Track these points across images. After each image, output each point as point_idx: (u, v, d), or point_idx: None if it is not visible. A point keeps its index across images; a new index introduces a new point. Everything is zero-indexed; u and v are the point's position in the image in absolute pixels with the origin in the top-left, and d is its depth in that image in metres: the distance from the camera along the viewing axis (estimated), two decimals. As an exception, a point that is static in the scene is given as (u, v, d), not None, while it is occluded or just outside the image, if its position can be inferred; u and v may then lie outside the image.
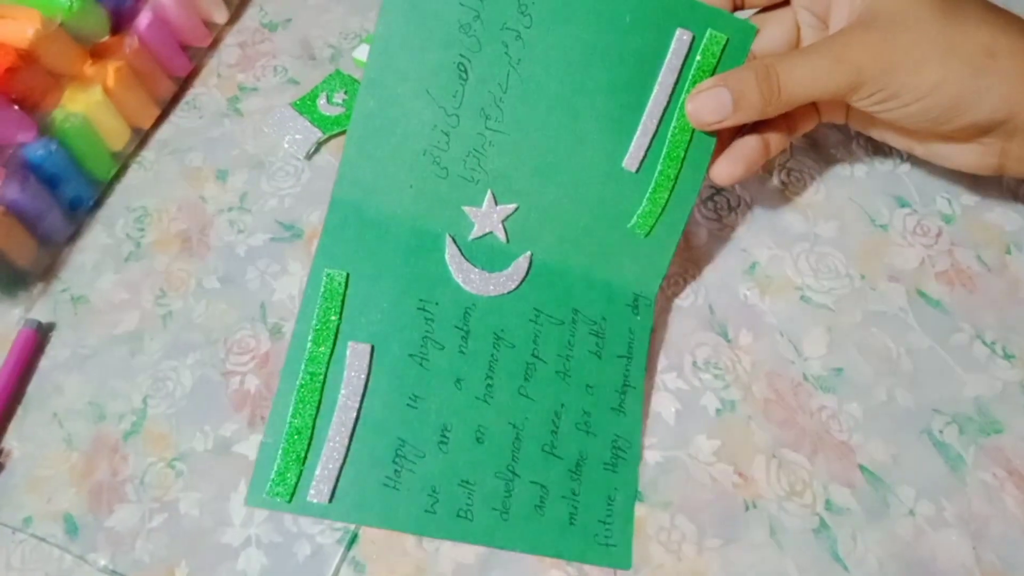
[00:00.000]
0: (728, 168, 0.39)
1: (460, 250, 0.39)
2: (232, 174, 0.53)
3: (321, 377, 0.36)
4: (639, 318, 0.40)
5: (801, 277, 0.43)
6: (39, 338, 0.48)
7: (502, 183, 0.38)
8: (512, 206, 0.38)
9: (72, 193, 0.51)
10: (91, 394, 0.45)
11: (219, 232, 0.51)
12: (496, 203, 0.38)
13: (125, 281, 0.49)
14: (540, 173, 0.38)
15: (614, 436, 0.38)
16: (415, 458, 0.36)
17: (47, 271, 0.50)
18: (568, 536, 0.37)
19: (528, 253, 0.39)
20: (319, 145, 0.53)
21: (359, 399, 0.36)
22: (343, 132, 0.53)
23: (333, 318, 0.37)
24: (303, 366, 0.36)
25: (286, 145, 0.54)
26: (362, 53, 0.57)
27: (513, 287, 0.39)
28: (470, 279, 0.38)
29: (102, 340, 0.47)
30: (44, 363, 0.47)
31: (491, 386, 0.38)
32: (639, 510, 0.38)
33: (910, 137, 0.41)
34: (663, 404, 0.40)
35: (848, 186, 0.46)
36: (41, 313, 0.49)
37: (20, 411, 0.45)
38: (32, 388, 0.46)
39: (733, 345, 0.42)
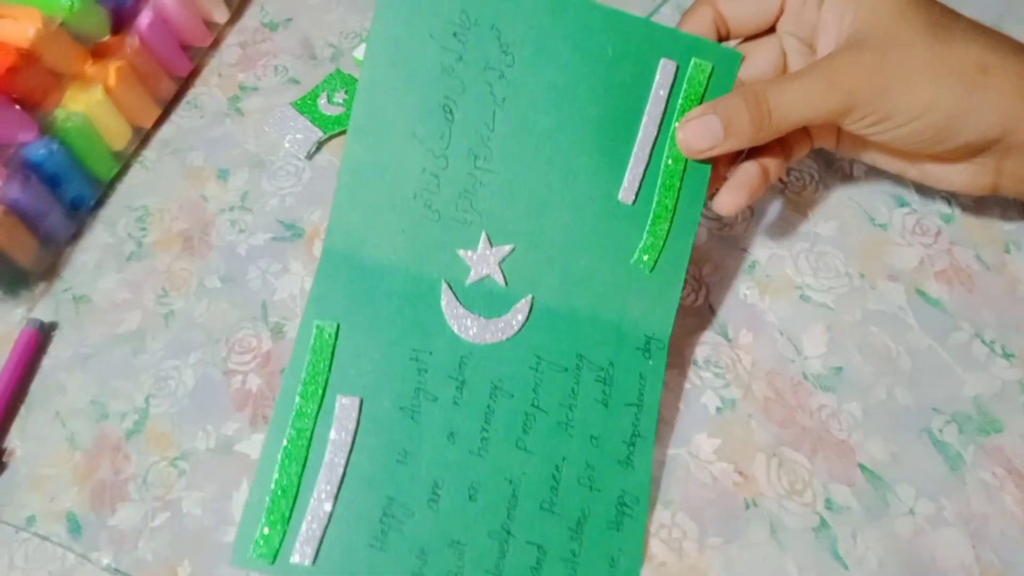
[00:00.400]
0: (732, 198, 0.38)
1: (456, 296, 0.37)
2: (233, 173, 0.53)
3: (308, 433, 0.35)
4: (651, 363, 0.38)
5: (801, 276, 0.44)
6: (41, 338, 0.48)
7: (496, 224, 0.37)
8: (508, 247, 0.37)
9: (74, 193, 0.51)
10: (93, 393, 0.45)
11: (220, 231, 0.51)
12: (491, 245, 0.37)
13: (127, 280, 0.50)
14: (534, 211, 0.37)
15: (620, 492, 0.36)
16: (404, 517, 0.35)
17: (49, 271, 0.50)
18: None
19: (529, 296, 0.38)
20: (320, 144, 0.54)
21: (346, 456, 0.35)
22: (344, 131, 0.53)
23: (322, 372, 0.35)
24: (290, 422, 0.35)
25: (287, 144, 0.54)
26: (362, 52, 0.57)
27: (512, 333, 0.37)
28: (467, 327, 0.37)
29: (104, 339, 0.47)
30: (46, 362, 0.47)
31: (486, 439, 0.36)
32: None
33: (903, 159, 0.40)
34: (664, 403, 0.40)
35: (847, 185, 0.47)
36: (43, 313, 0.49)
37: (23, 410, 0.45)
38: (35, 387, 0.46)
39: (733, 344, 0.42)
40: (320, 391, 0.35)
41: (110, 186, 0.54)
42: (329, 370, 0.36)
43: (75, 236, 0.52)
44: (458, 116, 0.36)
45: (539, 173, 0.37)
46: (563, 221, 0.37)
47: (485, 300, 0.38)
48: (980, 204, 0.45)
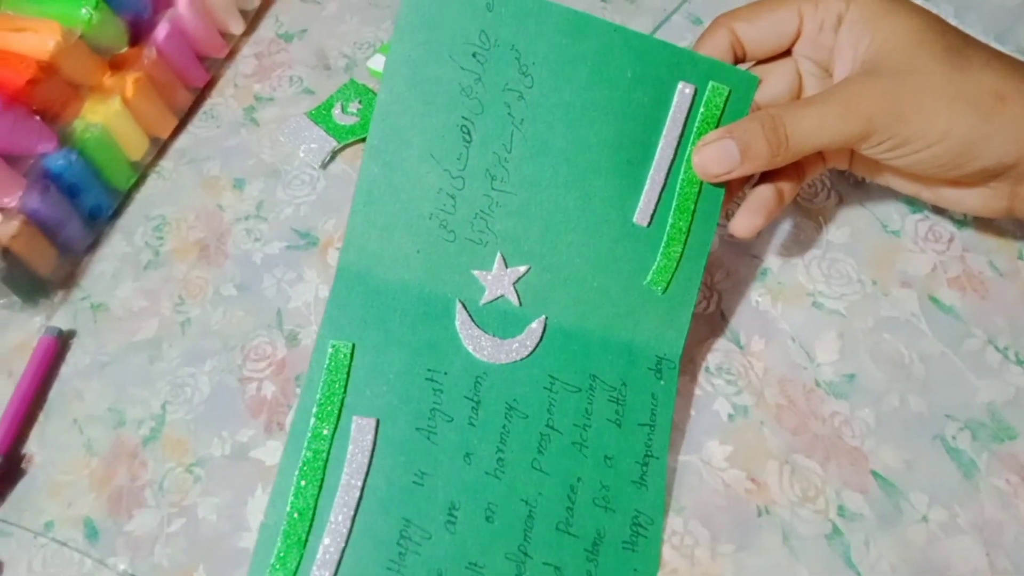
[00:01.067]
0: (748, 221, 0.38)
1: (471, 316, 0.37)
2: (249, 183, 0.54)
3: (324, 455, 0.34)
4: (663, 383, 0.38)
5: (813, 283, 0.44)
6: (60, 345, 0.48)
7: (512, 245, 0.37)
8: (523, 268, 0.37)
9: (92, 202, 0.52)
10: (111, 400, 0.46)
11: (236, 240, 0.51)
12: (506, 265, 0.37)
13: (144, 289, 0.50)
14: (550, 233, 0.37)
15: (635, 512, 0.36)
16: (421, 540, 0.34)
17: (67, 279, 0.51)
18: None
19: (543, 317, 0.38)
20: (334, 154, 0.54)
21: (363, 477, 0.34)
22: (358, 141, 0.54)
23: (338, 392, 0.35)
24: (306, 443, 0.34)
25: (302, 154, 0.54)
26: (376, 63, 0.57)
27: (527, 354, 0.37)
28: (481, 346, 0.37)
29: (121, 347, 0.48)
30: (65, 370, 0.48)
31: (502, 460, 0.36)
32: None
33: (917, 183, 0.40)
34: (676, 409, 0.40)
35: (859, 192, 0.47)
36: (62, 321, 0.50)
37: (41, 417, 0.46)
38: (53, 394, 0.47)
39: (745, 351, 0.42)
40: (336, 411, 0.35)
41: (128, 196, 0.55)
42: (345, 390, 0.35)
43: (93, 245, 0.53)
44: (476, 137, 0.36)
45: (555, 194, 0.37)
46: (578, 242, 0.38)
47: (499, 320, 0.38)
48: (993, 211, 0.45)
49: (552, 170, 0.37)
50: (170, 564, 0.40)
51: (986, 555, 0.35)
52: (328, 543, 0.34)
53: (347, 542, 0.34)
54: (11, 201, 0.47)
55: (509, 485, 0.36)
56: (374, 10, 0.62)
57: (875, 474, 0.38)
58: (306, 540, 0.34)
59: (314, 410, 0.35)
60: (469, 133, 0.36)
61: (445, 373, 0.36)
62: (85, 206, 0.52)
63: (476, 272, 0.37)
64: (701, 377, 0.42)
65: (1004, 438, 0.38)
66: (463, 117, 0.36)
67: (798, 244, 0.45)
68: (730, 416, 0.40)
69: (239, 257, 0.50)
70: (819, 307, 0.43)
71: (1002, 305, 0.42)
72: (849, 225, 0.45)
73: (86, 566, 0.41)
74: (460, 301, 0.37)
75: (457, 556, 0.35)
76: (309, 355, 0.44)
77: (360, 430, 0.35)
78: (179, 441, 0.44)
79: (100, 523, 0.42)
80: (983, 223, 0.44)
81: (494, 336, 0.37)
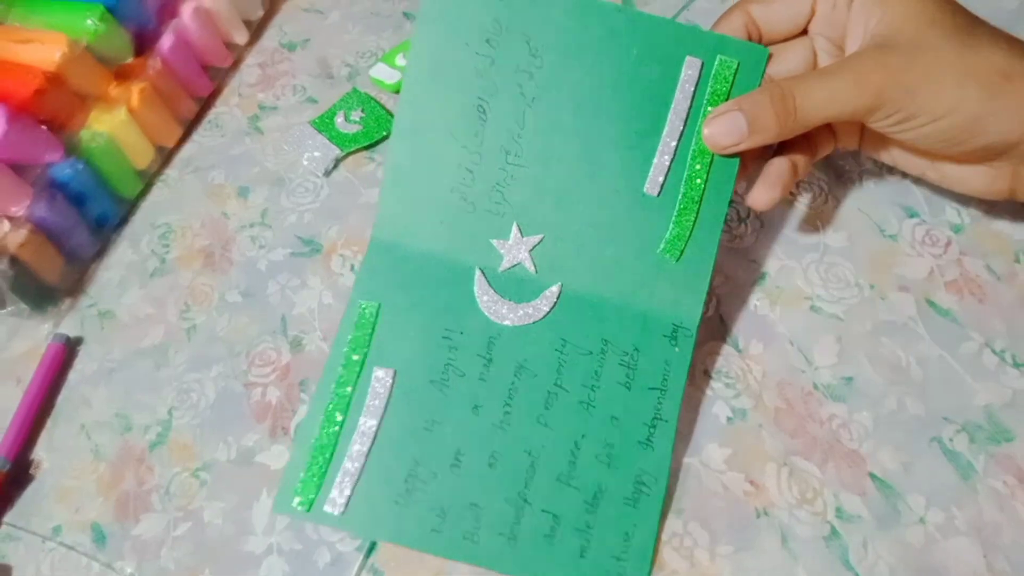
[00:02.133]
0: (766, 193, 0.39)
1: (488, 282, 0.40)
2: (253, 191, 0.55)
3: (347, 400, 0.38)
4: (677, 350, 0.39)
5: (811, 287, 0.44)
6: (67, 352, 0.49)
7: (527, 215, 0.40)
8: (538, 237, 0.40)
9: (98, 211, 0.53)
10: (118, 406, 0.46)
11: (241, 247, 0.52)
12: (522, 234, 0.40)
13: (150, 296, 0.51)
14: (563, 203, 0.39)
15: (638, 471, 0.38)
16: (427, 479, 0.37)
17: (75, 287, 0.52)
18: (577, 569, 0.36)
19: (558, 284, 0.40)
20: (337, 162, 0.55)
21: (379, 420, 0.38)
22: (360, 149, 0.55)
23: (363, 346, 0.39)
24: (332, 388, 0.38)
25: (305, 162, 0.55)
26: (378, 72, 0.58)
27: (540, 317, 0.40)
28: (496, 310, 0.40)
29: (128, 353, 0.48)
30: (72, 376, 0.48)
31: (509, 413, 0.38)
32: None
33: (924, 159, 0.41)
34: (675, 413, 0.41)
35: (857, 196, 0.47)
36: (69, 328, 0.50)
37: (49, 423, 0.47)
38: (61, 400, 0.47)
39: (744, 355, 0.42)
40: (360, 363, 0.39)
41: (134, 204, 0.56)
42: (369, 345, 0.39)
43: (100, 253, 0.53)
44: (491, 115, 0.39)
45: (567, 167, 0.39)
46: (590, 212, 0.39)
47: (516, 286, 0.40)
48: (990, 214, 0.45)
49: (563, 144, 0.39)
50: (176, 567, 0.40)
51: (983, 556, 0.36)
52: (343, 476, 0.37)
53: (360, 476, 0.37)
54: (19, 210, 0.47)
55: (513, 436, 0.38)
56: (376, 19, 0.63)
57: (873, 476, 0.38)
58: (325, 472, 0.37)
59: (341, 361, 0.39)
60: (485, 112, 0.39)
61: (461, 333, 0.39)
62: (92, 214, 0.52)
63: (494, 241, 0.40)
64: (700, 381, 0.42)
65: (1001, 440, 0.38)
66: (479, 98, 0.39)
67: (796, 249, 0.46)
68: (729, 419, 0.40)
69: (244, 264, 0.51)
70: (817, 311, 0.43)
71: (999, 308, 0.42)
72: (846, 229, 0.46)
73: (93, 570, 0.41)
74: (479, 268, 0.40)
75: (459, 496, 0.37)
76: (313, 361, 0.45)
77: (379, 380, 0.38)
78: (185, 446, 0.44)
79: (107, 527, 0.42)
80: (980, 227, 0.45)
81: (510, 300, 0.40)
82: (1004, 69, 0.35)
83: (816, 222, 0.46)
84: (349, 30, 0.63)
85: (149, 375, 0.47)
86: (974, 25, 0.36)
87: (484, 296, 0.40)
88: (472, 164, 0.39)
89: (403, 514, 0.37)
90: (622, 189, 0.39)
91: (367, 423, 0.38)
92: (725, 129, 0.37)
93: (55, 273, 0.50)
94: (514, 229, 0.40)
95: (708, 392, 0.41)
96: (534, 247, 0.40)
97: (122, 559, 0.41)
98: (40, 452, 0.46)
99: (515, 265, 0.40)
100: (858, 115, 0.36)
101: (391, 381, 0.38)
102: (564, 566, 0.36)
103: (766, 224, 0.47)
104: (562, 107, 0.39)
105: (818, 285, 0.44)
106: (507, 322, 0.39)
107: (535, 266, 0.40)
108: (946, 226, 0.45)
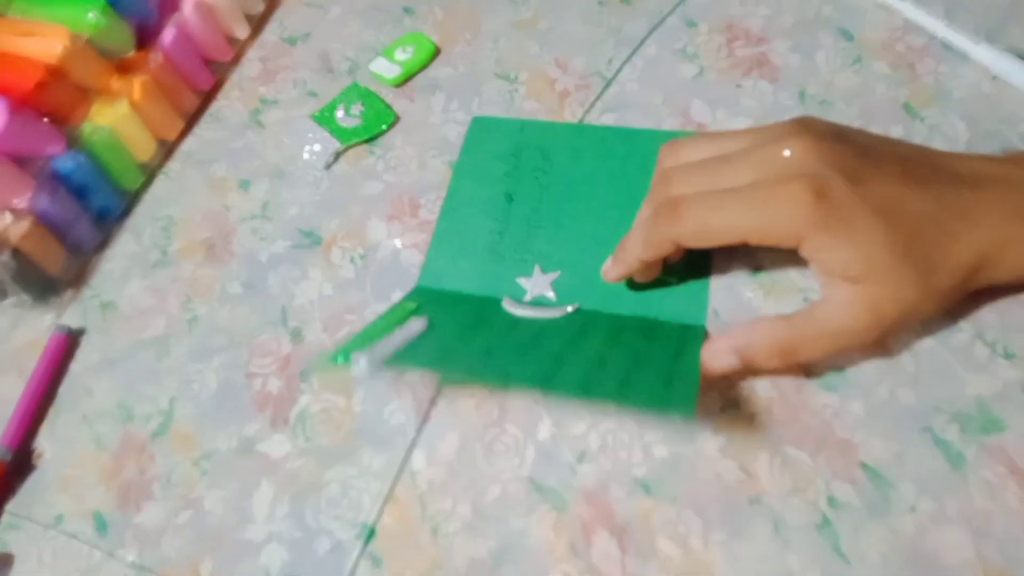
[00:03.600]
0: (613, 270, 0.44)
1: (515, 300, 0.46)
2: (254, 184, 0.55)
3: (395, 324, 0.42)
4: (690, 331, 0.42)
5: (805, 280, 0.44)
6: (70, 343, 0.49)
7: (547, 259, 0.47)
8: (557, 272, 0.46)
9: (100, 203, 0.53)
10: (120, 396, 0.47)
11: (242, 240, 0.52)
12: (544, 272, 0.46)
13: (152, 287, 0.51)
14: (576, 249, 0.47)
15: (678, 342, 0.41)
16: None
17: (77, 278, 0.52)
18: (628, 385, 0.37)
19: (577, 303, 0.45)
20: (337, 155, 0.55)
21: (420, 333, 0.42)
22: (360, 142, 0.55)
23: (403, 318, 0.43)
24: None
25: (306, 156, 0.55)
26: (378, 66, 0.58)
27: (560, 316, 0.44)
28: (523, 312, 0.44)
29: (130, 344, 0.49)
30: (74, 367, 0.49)
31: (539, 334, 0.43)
32: (645, 502, 0.39)
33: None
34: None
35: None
36: (71, 319, 0.51)
37: (52, 413, 0.47)
38: (63, 391, 0.48)
39: (739, 346, 0.43)
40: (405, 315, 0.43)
41: (136, 196, 0.56)
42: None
43: (102, 245, 0.54)
44: (516, 199, 0.50)
45: (578, 224, 0.48)
46: (599, 253, 0.45)
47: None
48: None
49: (573, 213, 0.48)
50: (177, 555, 0.41)
51: (974, 545, 0.36)
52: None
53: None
54: (21, 202, 0.48)
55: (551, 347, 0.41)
56: (376, 14, 0.63)
57: (864, 465, 0.38)
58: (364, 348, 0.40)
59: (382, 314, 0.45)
60: (511, 197, 0.50)
61: (489, 323, 0.44)
62: (94, 207, 0.53)
63: (519, 279, 0.46)
64: (695, 371, 0.42)
65: (992, 430, 0.39)
66: (506, 189, 0.50)
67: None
68: (722, 408, 0.41)
69: (245, 256, 0.51)
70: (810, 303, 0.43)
71: (991, 300, 0.42)
72: (841, 222, 0.46)
73: (95, 558, 0.42)
74: (507, 297, 0.46)
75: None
76: (313, 351, 0.46)
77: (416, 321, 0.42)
78: (187, 436, 0.45)
79: (109, 516, 0.43)
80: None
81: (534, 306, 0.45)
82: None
83: (811, 215, 0.46)
84: (349, 25, 0.63)
85: (151, 366, 0.48)
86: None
87: (511, 306, 0.45)
88: (501, 230, 0.48)
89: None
90: (623, 235, 0.43)
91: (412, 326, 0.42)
92: (720, 368, 0.39)
93: (57, 265, 0.51)
94: (536, 269, 0.46)
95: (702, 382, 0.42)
96: (554, 280, 0.46)
97: (124, 547, 0.42)
98: (42, 442, 0.46)
99: (537, 296, 0.46)
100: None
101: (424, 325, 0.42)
102: (614, 384, 0.37)
103: (761, 217, 0.47)
104: (570, 190, 0.49)
105: (811, 277, 0.44)
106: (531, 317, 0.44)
107: (556, 295, 0.46)
108: (939, 219, 0.45)
